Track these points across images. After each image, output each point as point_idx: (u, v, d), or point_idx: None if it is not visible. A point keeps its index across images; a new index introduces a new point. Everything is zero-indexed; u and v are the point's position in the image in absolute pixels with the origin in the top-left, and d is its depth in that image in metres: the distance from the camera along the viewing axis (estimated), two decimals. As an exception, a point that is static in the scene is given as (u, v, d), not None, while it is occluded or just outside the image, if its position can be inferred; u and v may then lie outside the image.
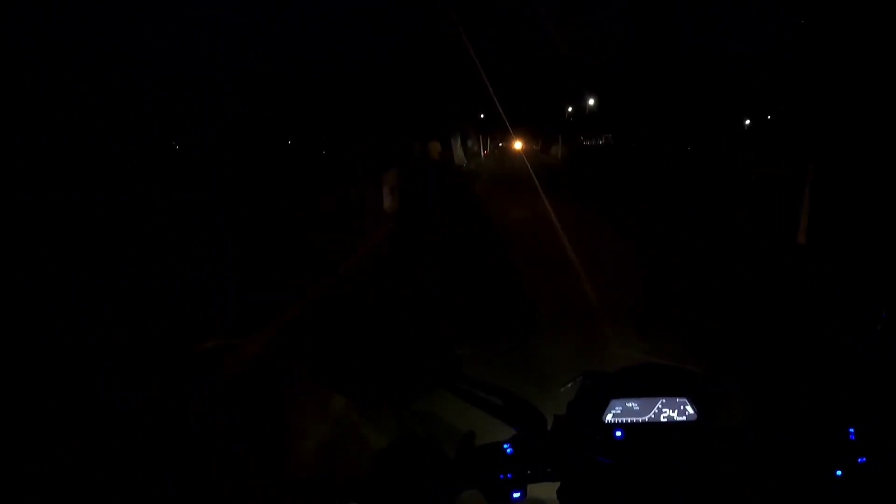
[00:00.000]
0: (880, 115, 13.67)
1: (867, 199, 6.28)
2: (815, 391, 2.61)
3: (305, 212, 8.76)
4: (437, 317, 4.42)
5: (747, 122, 28.65)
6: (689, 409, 0.81)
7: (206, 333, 4.21)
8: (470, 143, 31.96)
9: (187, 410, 3.03)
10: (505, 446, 0.80)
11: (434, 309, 4.65)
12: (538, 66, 30.04)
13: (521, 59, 27.47)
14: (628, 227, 9.42)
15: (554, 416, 0.85)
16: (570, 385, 0.88)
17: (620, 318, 4.41)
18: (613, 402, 0.81)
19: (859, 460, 0.79)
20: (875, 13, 14.11)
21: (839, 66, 15.27)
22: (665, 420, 0.81)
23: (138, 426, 2.79)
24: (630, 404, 0.81)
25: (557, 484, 0.81)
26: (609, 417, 0.81)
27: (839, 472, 0.78)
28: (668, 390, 0.82)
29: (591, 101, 40.21)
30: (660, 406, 0.81)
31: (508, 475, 0.77)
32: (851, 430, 0.81)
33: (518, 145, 46.62)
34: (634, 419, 0.81)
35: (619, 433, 0.80)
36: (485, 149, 42.70)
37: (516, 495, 0.77)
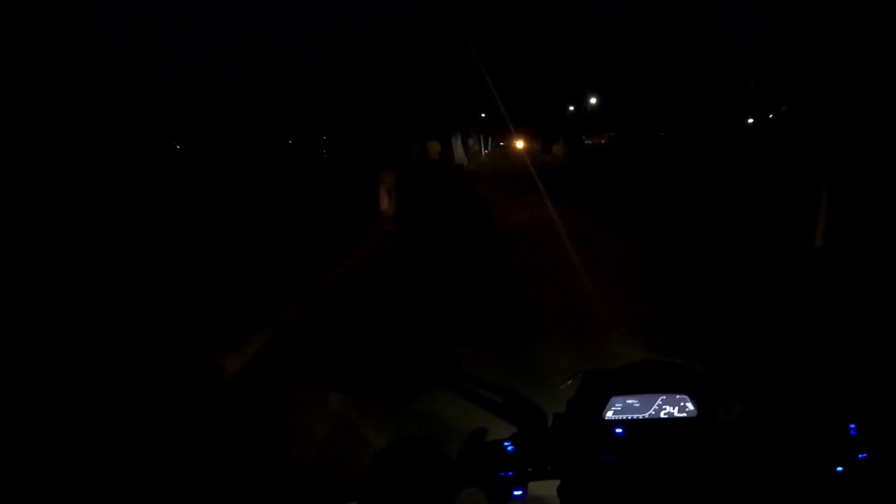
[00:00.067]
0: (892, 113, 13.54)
1: (887, 200, 6.15)
2: (815, 391, 2.61)
3: (305, 212, 8.74)
4: (437, 317, 4.43)
5: (750, 121, 28.63)
6: (689, 406, 0.81)
7: (206, 333, 4.21)
8: (471, 142, 31.97)
9: (187, 410, 3.03)
10: (506, 444, 0.80)
11: (434, 309, 4.65)
12: (538, 65, 30.03)
13: (521, 59, 27.46)
14: (630, 228, 9.41)
15: (554, 414, 0.85)
16: (569, 383, 0.88)
17: (620, 318, 4.41)
18: (614, 399, 0.81)
19: (860, 456, 0.79)
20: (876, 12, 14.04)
21: (854, 65, 15.14)
22: (665, 417, 0.81)
23: (138, 426, 2.79)
24: (630, 401, 0.81)
25: (558, 482, 0.81)
26: (609, 414, 0.81)
27: (840, 469, 0.79)
28: (668, 387, 0.82)
29: (593, 101, 40.18)
30: (660, 403, 0.81)
31: (509, 473, 0.77)
32: (852, 426, 0.81)
33: (520, 144, 46.58)
34: (635, 416, 0.81)
35: (619, 430, 0.80)
36: (486, 148, 42.71)
37: (517, 493, 0.77)
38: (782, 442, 0.81)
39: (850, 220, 6.43)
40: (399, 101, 20.74)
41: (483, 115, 35.46)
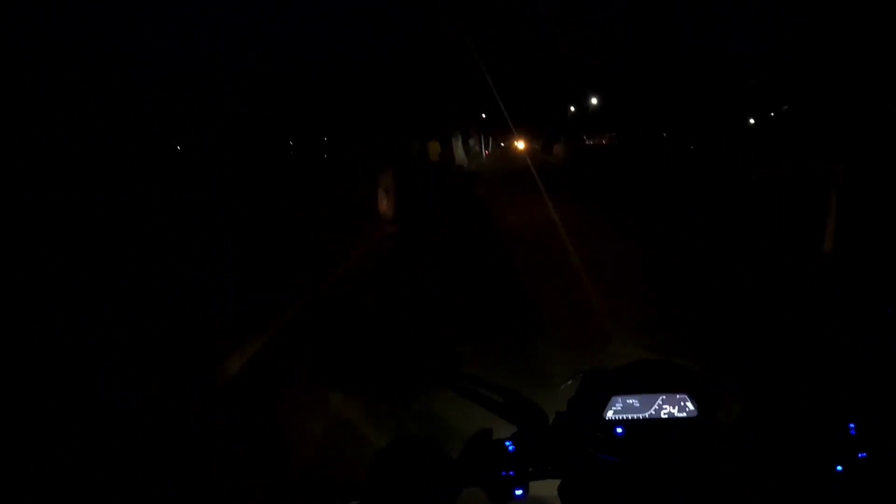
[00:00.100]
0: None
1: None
2: (815, 391, 2.61)
3: (305, 212, 8.74)
4: (437, 317, 4.43)
5: (751, 121, 28.64)
6: (690, 406, 0.81)
7: (206, 333, 4.21)
8: (471, 142, 31.97)
9: (187, 410, 3.03)
10: (507, 444, 0.80)
11: (434, 309, 4.65)
12: (538, 65, 30.04)
13: (521, 59, 27.47)
14: (631, 227, 9.42)
15: (555, 414, 0.85)
16: (570, 382, 0.88)
17: (620, 317, 4.41)
18: (614, 398, 0.81)
19: (860, 456, 0.79)
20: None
21: (859, 63, 15.00)
22: (665, 416, 0.81)
23: (138, 426, 2.79)
24: (630, 401, 0.81)
25: (559, 481, 0.81)
26: (610, 414, 0.81)
27: (840, 468, 0.79)
28: (669, 387, 0.82)
29: (594, 101, 40.19)
30: (660, 402, 0.81)
31: (510, 472, 0.77)
32: (852, 425, 0.81)
33: (521, 145, 46.57)
34: (635, 416, 0.81)
35: (619, 430, 0.80)
36: (486, 148, 42.70)
37: (518, 493, 0.77)
38: (782, 442, 0.81)
39: (860, 224, 6.07)
40: (399, 102, 20.76)
41: (483, 115, 35.46)
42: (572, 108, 45.97)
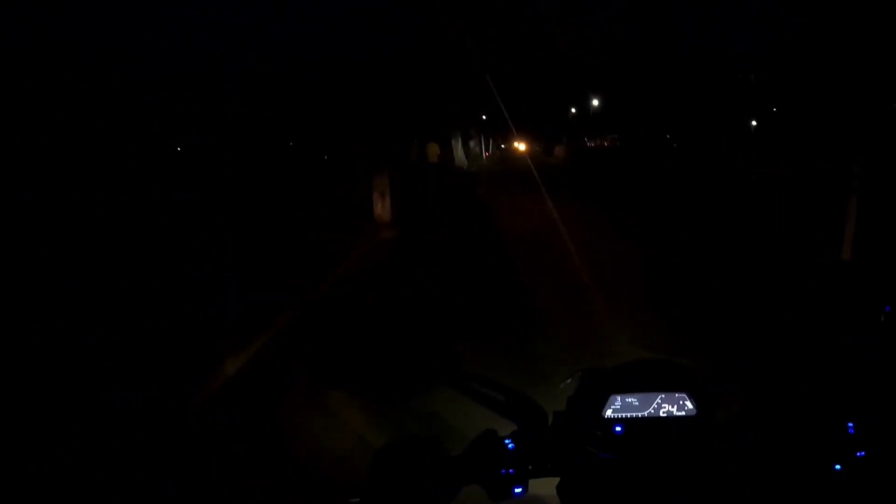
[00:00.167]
0: None
1: None
2: (815, 391, 2.61)
3: (304, 212, 8.72)
4: (437, 317, 4.43)
5: (753, 122, 28.64)
6: (688, 404, 0.81)
7: (207, 333, 4.21)
8: (472, 144, 31.94)
9: (187, 410, 3.03)
10: (506, 442, 0.80)
11: (434, 309, 4.65)
12: (539, 66, 30.04)
13: (521, 59, 27.47)
14: (631, 228, 9.42)
15: (554, 412, 0.85)
16: (569, 381, 0.88)
17: (621, 317, 4.41)
18: (613, 397, 0.81)
19: (858, 454, 0.79)
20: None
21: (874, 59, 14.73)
22: (664, 415, 0.81)
23: (138, 426, 2.79)
24: (629, 400, 0.81)
25: (557, 480, 0.82)
26: (609, 413, 0.81)
27: (838, 467, 0.79)
28: (668, 385, 0.82)
29: (595, 102, 40.19)
30: (659, 401, 0.82)
31: (510, 470, 0.77)
32: (850, 424, 0.81)
33: (522, 146, 46.55)
34: (634, 414, 0.81)
35: (618, 428, 0.80)
36: (486, 150, 42.67)
37: (518, 490, 0.78)
38: (782, 441, 0.81)
39: (882, 229, 5.62)
40: (399, 102, 20.76)
41: (484, 117, 35.44)
42: (573, 110, 45.99)
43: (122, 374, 3.45)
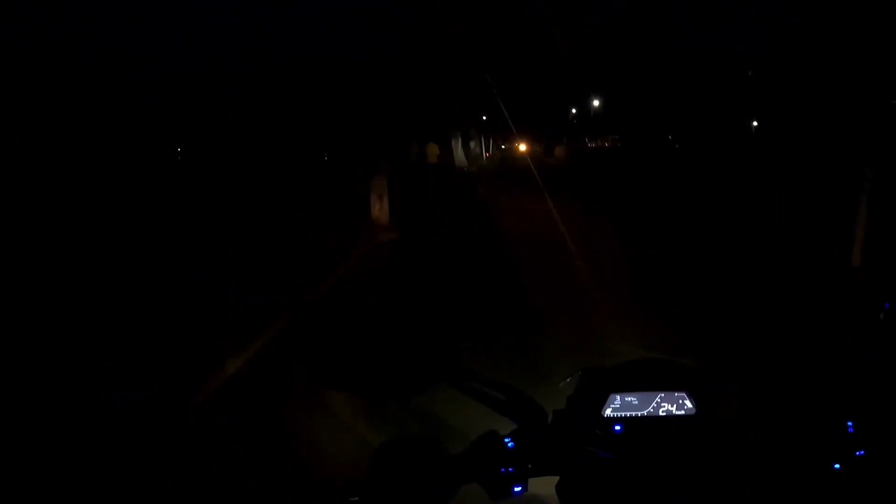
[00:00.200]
0: None
1: None
2: (815, 391, 2.61)
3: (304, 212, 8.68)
4: (438, 316, 4.43)
5: (754, 123, 28.64)
6: (688, 403, 0.81)
7: (207, 333, 4.21)
8: (472, 144, 31.95)
9: (187, 410, 3.04)
10: (506, 440, 0.80)
11: (434, 309, 4.65)
12: (539, 66, 30.03)
13: (521, 59, 27.47)
14: (634, 229, 9.42)
15: (553, 411, 0.86)
16: (568, 380, 0.88)
17: (620, 317, 4.42)
18: (612, 396, 0.81)
19: (857, 453, 0.79)
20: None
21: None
22: (664, 414, 0.81)
23: (138, 426, 2.79)
24: (629, 398, 0.81)
25: (556, 479, 0.82)
26: (608, 412, 0.81)
27: (837, 466, 0.79)
28: (667, 384, 0.82)
29: (596, 103, 40.20)
30: (658, 400, 0.82)
31: (509, 469, 0.77)
32: (849, 423, 0.81)
33: (522, 147, 46.57)
34: (633, 413, 0.81)
35: (618, 427, 0.80)
36: (486, 150, 42.66)
37: (517, 489, 0.78)
38: (782, 441, 0.81)
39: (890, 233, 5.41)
40: (399, 103, 20.76)
41: (484, 117, 35.44)
42: (573, 110, 46.00)
43: (122, 374, 3.45)
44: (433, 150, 21.13)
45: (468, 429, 0.84)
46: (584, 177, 22.03)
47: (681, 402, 0.81)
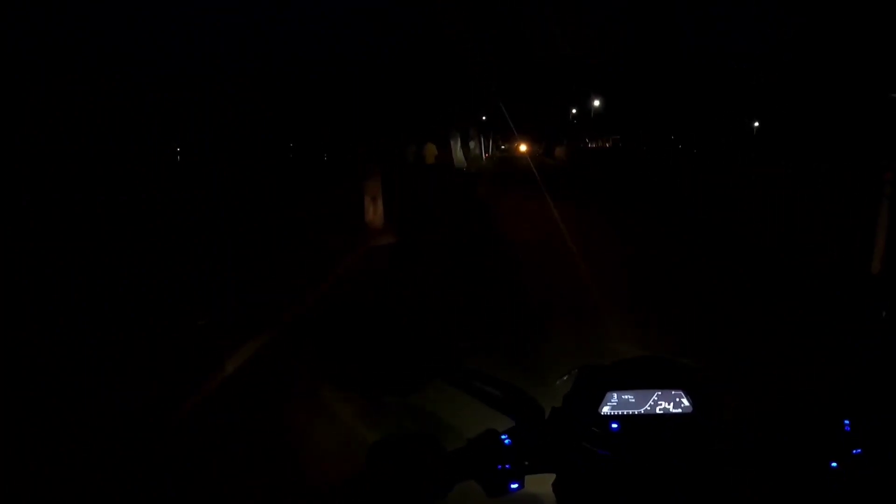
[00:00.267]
0: None
1: None
2: (814, 391, 2.61)
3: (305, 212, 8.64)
4: (437, 316, 4.43)
5: (756, 124, 28.65)
6: (685, 402, 0.81)
7: (207, 333, 4.21)
8: (472, 144, 31.92)
9: (187, 410, 3.03)
10: (503, 437, 0.80)
11: (434, 309, 4.65)
12: (539, 65, 30.03)
13: (521, 59, 27.47)
14: (634, 229, 9.42)
15: (551, 409, 0.86)
16: (565, 378, 0.88)
17: (620, 316, 4.42)
18: (609, 394, 0.81)
19: (854, 452, 0.79)
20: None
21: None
22: (661, 412, 0.82)
23: (138, 426, 2.79)
24: (626, 397, 0.81)
25: (553, 476, 0.82)
26: (605, 409, 0.81)
27: (834, 464, 0.79)
28: (664, 383, 0.82)
29: (597, 103, 40.19)
30: (655, 398, 0.82)
31: (506, 466, 0.78)
32: (846, 422, 0.81)
33: (523, 147, 46.58)
34: (630, 411, 0.81)
35: (614, 425, 0.80)
36: (486, 151, 42.63)
37: (514, 486, 0.78)
38: (780, 441, 0.81)
39: None
40: (398, 103, 20.76)
41: (484, 117, 35.40)
42: (574, 111, 45.99)
43: (122, 375, 3.45)
44: (431, 151, 21.11)
45: (467, 427, 0.84)
46: (585, 177, 22.04)
47: (678, 400, 0.82)
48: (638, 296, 5.09)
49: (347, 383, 2.93)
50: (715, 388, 0.83)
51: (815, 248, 6.41)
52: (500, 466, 0.78)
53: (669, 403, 0.82)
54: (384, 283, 5.88)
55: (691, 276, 6.04)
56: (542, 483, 0.82)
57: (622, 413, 0.81)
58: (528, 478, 0.80)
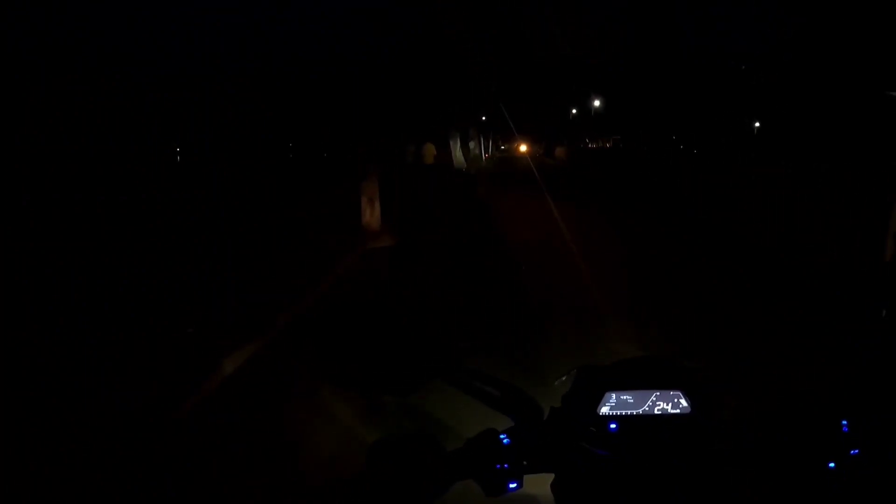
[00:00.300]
0: None
1: None
2: (814, 390, 2.61)
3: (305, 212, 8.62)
4: (437, 316, 4.43)
5: (756, 124, 28.65)
6: (683, 402, 0.81)
7: (206, 333, 4.21)
8: (472, 144, 31.89)
9: (187, 410, 3.03)
10: (502, 437, 0.80)
11: (434, 309, 4.65)
12: (539, 65, 30.02)
13: (521, 59, 27.46)
14: (634, 229, 9.42)
15: (550, 409, 0.86)
16: (564, 378, 0.88)
17: (620, 316, 4.42)
18: (608, 394, 0.81)
19: (852, 452, 0.79)
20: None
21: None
22: (659, 413, 0.82)
23: (138, 426, 2.79)
24: (624, 397, 0.82)
25: (552, 476, 0.82)
26: (604, 410, 0.81)
27: (832, 464, 0.79)
28: (663, 383, 0.82)
29: (597, 103, 40.17)
30: (654, 399, 0.82)
31: (505, 465, 0.78)
32: (844, 422, 0.81)
33: (523, 147, 46.58)
34: (628, 411, 0.81)
35: (613, 425, 0.80)
36: (486, 151, 42.59)
37: (512, 486, 0.78)
38: (781, 441, 0.81)
39: None
40: (399, 102, 20.76)
41: (484, 117, 35.36)
42: (574, 111, 45.98)
43: (122, 374, 3.45)
44: (430, 151, 21.10)
45: (466, 427, 0.84)
46: (585, 177, 22.04)
47: (676, 401, 0.82)
48: (638, 296, 5.09)
49: (347, 383, 2.93)
50: (714, 389, 0.83)
51: (815, 248, 6.40)
52: (498, 466, 0.78)
53: (668, 404, 0.82)
54: (382, 284, 5.88)
55: (691, 276, 6.04)
56: (540, 483, 0.82)
57: (621, 413, 0.82)
58: (526, 477, 0.80)
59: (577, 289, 5.42)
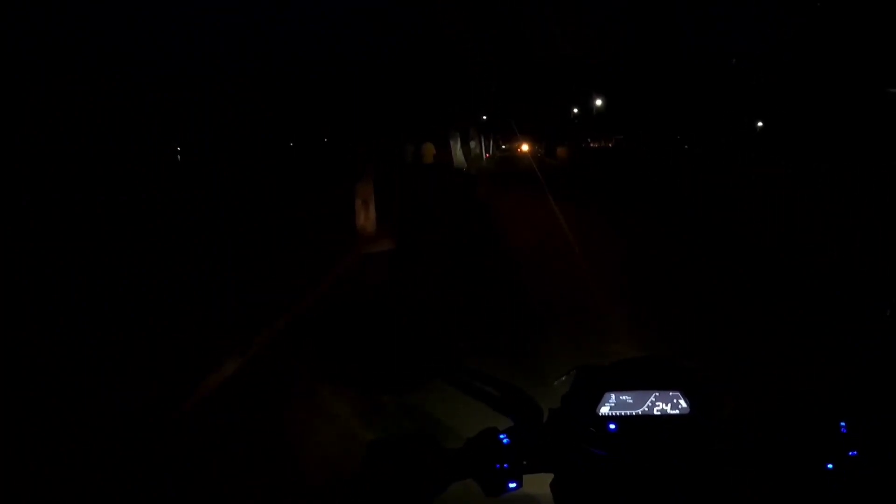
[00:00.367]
0: None
1: None
2: (814, 391, 2.61)
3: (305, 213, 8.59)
4: (437, 316, 4.43)
5: (759, 123, 28.61)
6: (682, 403, 0.81)
7: (207, 333, 4.21)
8: (472, 144, 31.88)
9: (187, 410, 3.03)
10: (501, 437, 0.80)
11: (434, 309, 4.65)
12: (539, 65, 30.01)
13: (521, 59, 27.45)
14: (634, 229, 9.41)
15: (550, 409, 0.86)
16: (563, 379, 0.88)
17: (620, 317, 4.41)
18: (607, 394, 0.81)
19: (850, 453, 0.79)
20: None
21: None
22: (658, 413, 0.82)
23: (138, 426, 2.79)
24: (624, 397, 0.82)
25: (551, 476, 0.82)
26: (603, 410, 0.81)
27: (830, 465, 0.79)
28: (662, 384, 0.82)
29: (599, 102, 40.12)
30: (653, 399, 0.82)
31: (504, 465, 0.78)
32: (843, 424, 0.81)
33: (524, 147, 46.55)
34: (628, 412, 0.81)
35: (612, 426, 0.80)
36: (486, 151, 42.56)
37: (512, 485, 0.78)
38: (780, 441, 0.81)
39: None
40: (399, 102, 20.75)
41: (484, 117, 35.34)
42: (575, 110, 45.95)
43: (122, 374, 3.45)
44: (429, 151, 21.07)
45: (466, 427, 0.84)
46: (586, 177, 22.04)
47: (675, 401, 0.82)
48: (638, 296, 5.09)
49: (347, 383, 2.93)
50: (713, 389, 0.83)
51: (815, 248, 6.40)
52: (498, 466, 0.78)
53: (667, 404, 0.82)
54: (382, 285, 5.88)
55: (691, 275, 6.04)
56: (540, 483, 0.82)
57: (620, 414, 0.82)
58: (526, 477, 0.80)
59: (577, 289, 5.42)
